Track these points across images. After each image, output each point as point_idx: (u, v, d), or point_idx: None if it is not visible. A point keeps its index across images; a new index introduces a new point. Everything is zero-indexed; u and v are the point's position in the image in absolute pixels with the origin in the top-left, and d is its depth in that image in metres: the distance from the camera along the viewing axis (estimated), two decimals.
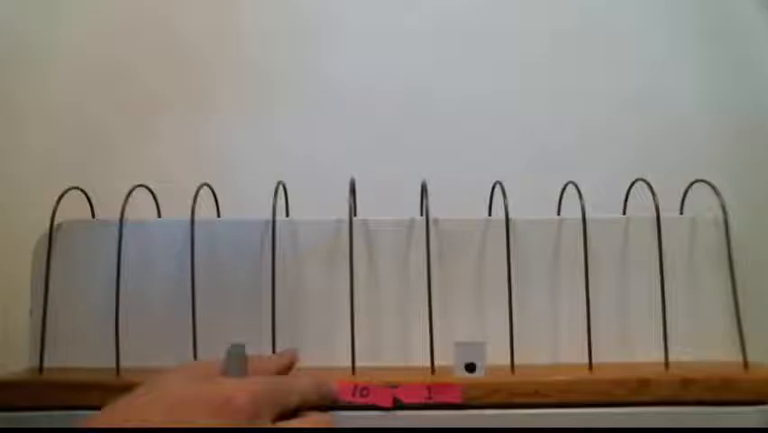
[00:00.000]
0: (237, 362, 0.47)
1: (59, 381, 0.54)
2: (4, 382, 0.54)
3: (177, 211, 0.61)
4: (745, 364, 0.56)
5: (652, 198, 0.58)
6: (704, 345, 0.59)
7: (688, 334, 0.59)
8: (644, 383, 0.52)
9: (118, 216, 0.57)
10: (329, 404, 0.50)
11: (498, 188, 0.60)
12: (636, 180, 0.62)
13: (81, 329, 0.59)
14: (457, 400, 0.51)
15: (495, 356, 0.54)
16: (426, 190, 0.60)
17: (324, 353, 0.58)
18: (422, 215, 0.61)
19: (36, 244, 0.60)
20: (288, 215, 0.65)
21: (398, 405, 0.51)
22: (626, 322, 0.60)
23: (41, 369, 0.56)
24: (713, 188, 0.59)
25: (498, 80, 0.87)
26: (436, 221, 0.60)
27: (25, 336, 0.59)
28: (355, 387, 0.51)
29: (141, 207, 0.61)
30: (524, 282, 0.59)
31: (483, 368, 0.53)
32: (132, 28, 0.87)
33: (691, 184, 0.62)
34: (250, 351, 0.48)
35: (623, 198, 0.65)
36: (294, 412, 0.45)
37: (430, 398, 0.51)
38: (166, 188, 0.64)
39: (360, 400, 0.51)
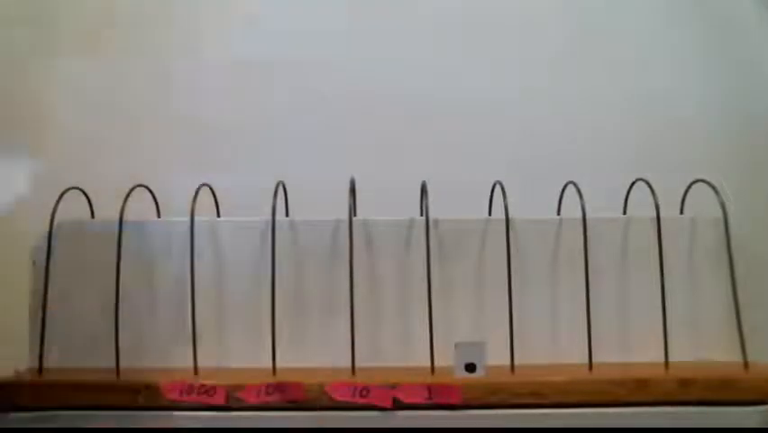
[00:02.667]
0: None
1: (59, 381, 0.54)
2: (4, 382, 0.54)
3: (177, 211, 0.61)
4: (745, 364, 0.56)
5: (652, 197, 0.58)
6: (704, 344, 0.59)
7: (688, 334, 0.59)
8: (643, 383, 0.52)
9: (118, 216, 0.57)
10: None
11: (498, 188, 0.60)
12: (636, 180, 0.62)
13: (81, 329, 0.59)
14: (457, 401, 0.51)
15: (495, 356, 0.54)
16: (426, 190, 0.60)
17: (324, 353, 0.58)
18: (422, 215, 0.60)
19: (36, 244, 0.60)
20: (288, 215, 0.65)
21: (398, 405, 0.51)
22: (626, 322, 0.60)
23: (40, 369, 0.56)
24: (713, 188, 0.59)
25: (498, 80, 0.87)
26: (436, 221, 0.60)
27: (25, 336, 0.59)
28: (355, 387, 0.51)
29: (141, 207, 0.61)
30: (524, 282, 0.59)
31: (483, 368, 0.53)
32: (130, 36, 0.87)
33: (691, 184, 0.62)
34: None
35: (623, 197, 0.65)
36: None
37: (430, 398, 0.51)
38: (166, 189, 0.64)
39: (360, 400, 0.51)
